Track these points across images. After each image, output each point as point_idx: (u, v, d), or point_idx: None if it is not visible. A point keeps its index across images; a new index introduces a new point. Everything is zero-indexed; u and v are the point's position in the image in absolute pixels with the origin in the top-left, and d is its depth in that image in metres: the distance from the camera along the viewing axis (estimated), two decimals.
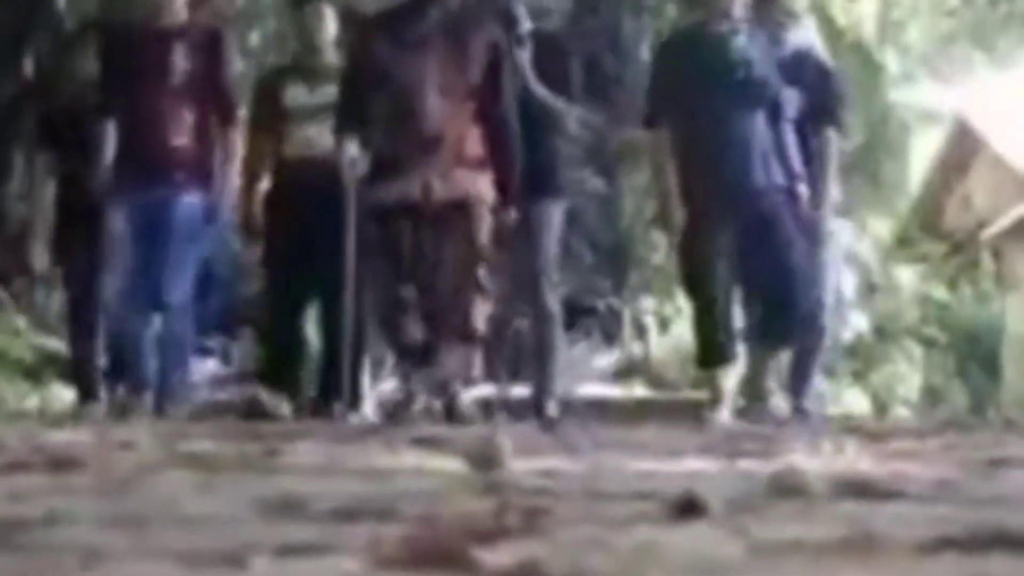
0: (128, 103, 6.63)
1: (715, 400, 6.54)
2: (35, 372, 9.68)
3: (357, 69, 6.53)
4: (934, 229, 18.95)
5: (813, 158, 6.91)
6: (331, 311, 6.91)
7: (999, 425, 6.27)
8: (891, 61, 18.80)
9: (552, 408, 6.93)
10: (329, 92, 6.82)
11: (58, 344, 9.25)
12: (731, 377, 6.60)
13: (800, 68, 6.99)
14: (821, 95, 7.03)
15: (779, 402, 6.59)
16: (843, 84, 7.67)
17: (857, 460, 3.01)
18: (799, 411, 6.77)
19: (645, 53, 16.51)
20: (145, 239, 6.60)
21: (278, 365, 7.05)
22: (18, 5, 10.67)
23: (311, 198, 6.75)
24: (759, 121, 6.59)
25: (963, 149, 20.02)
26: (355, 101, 6.49)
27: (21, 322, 10.41)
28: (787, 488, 2.11)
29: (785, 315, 6.52)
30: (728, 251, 6.51)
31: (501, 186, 6.40)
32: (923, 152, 20.54)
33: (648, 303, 19.71)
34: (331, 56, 7.09)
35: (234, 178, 6.79)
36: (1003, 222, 18.35)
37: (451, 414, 6.17)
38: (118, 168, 6.65)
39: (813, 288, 6.83)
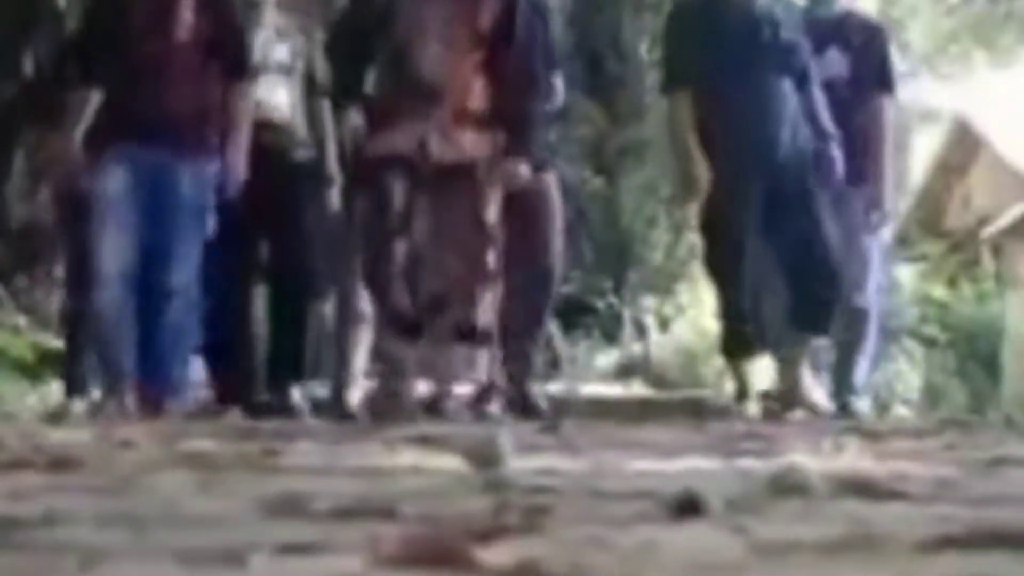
0: (127, 57, 6.01)
1: (742, 394, 6.15)
2: (35, 371, 9.67)
3: (355, 15, 5.96)
4: (934, 228, 18.98)
5: (861, 129, 6.51)
6: (286, 292, 6.44)
7: (999, 424, 6.27)
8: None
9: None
10: (279, 52, 6.40)
11: (58, 343, 9.23)
12: (756, 367, 6.22)
13: (846, 28, 6.62)
14: (870, 58, 6.62)
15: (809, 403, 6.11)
16: (891, 46, 7.13)
17: (857, 459, 3.01)
18: (843, 408, 6.33)
19: (645, 52, 16.53)
20: (145, 207, 5.96)
21: (231, 349, 6.51)
22: (18, 5, 10.67)
23: (261, 165, 6.18)
24: (787, 87, 6.17)
25: (963, 148, 20.05)
26: (353, 60, 5.91)
27: (21, 320, 10.40)
28: (787, 487, 2.11)
29: (816, 299, 6.07)
30: (756, 228, 6.08)
31: (516, 139, 5.77)
32: (923, 151, 20.56)
33: (648, 302, 19.73)
34: (274, 15, 6.56)
35: (244, 143, 6.13)
36: (1003, 221, 18.37)
37: (434, 410, 5.64)
38: (114, 125, 6.00)
39: (850, 271, 6.36)
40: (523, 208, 6.00)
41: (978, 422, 6.60)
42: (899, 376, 13.89)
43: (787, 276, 6.14)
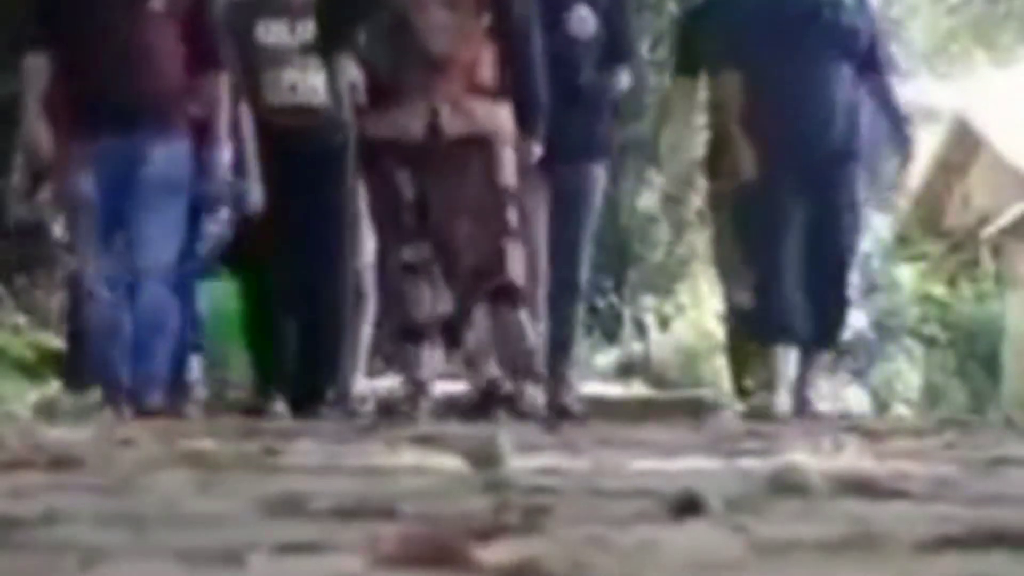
0: (91, 35, 5.52)
1: (770, 383, 5.83)
2: (35, 370, 9.66)
3: None
4: (934, 227, 18.97)
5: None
6: (322, 292, 5.94)
7: (999, 424, 6.26)
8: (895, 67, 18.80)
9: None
10: (312, 30, 5.83)
11: (59, 342, 9.21)
12: (790, 360, 5.87)
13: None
14: (870, 38, 6.07)
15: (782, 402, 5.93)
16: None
17: (857, 458, 3.01)
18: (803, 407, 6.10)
19: (645, 50, 16.51)
20: (115, 196, 5.51)
21: (267, 356, 6.12)
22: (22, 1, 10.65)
23: (296, 153, 5.81)
24: (845, 74, 5.81)
25: (963, 147, 20.04)
26: (347, 9, 5.44)
27: (21, 319, 10.40)
28: (787, 486, 2.11)
29: (836, 310, 5.89)
30: (798, 221, 5.78)
31: (522, 118, 5.33)
32: (923, 150, 20.54)
33: (648, 301, 19.72)
34: None
35: (223, 135, 5.64)
36: (1003, 220, 18.37)
37: (489, 404, 5.26)
38: (78, 112, 5.53)
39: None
40: (558, 209, 5.71)
41: (978, 422, 6.59)
42: (899, 375, 13.90)
43: (810, 280, 5.88)
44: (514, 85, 5.37)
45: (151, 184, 5.52)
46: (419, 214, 5.32)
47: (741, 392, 6.41)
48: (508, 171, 5.29)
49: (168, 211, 5.57)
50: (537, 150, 5.46)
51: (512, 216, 5.26)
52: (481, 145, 5.25)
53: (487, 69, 5.30)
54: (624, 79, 6.25)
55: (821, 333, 5.98)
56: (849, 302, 6.08)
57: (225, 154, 5.68)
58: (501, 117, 5.31)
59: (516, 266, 5.26)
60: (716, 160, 6.10)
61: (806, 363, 6.04)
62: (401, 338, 5.49)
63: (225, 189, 5.81)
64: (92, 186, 5.55)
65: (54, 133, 5.66)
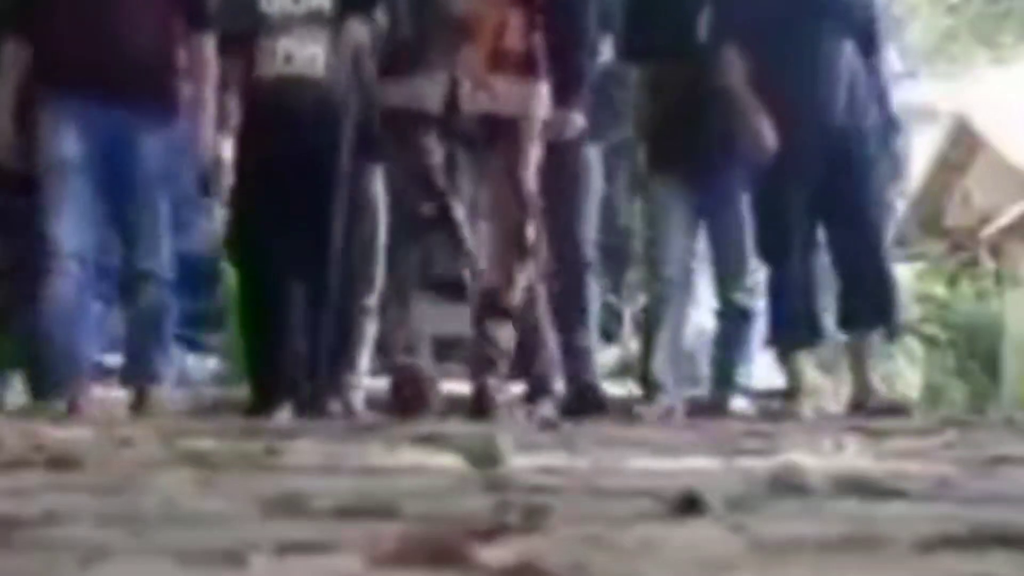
0: (74, 10, 5.21)
1: (794, 390, 5.68)
2: None
3: None
4: (934, 227, 18.96)
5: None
6: (321, 278, 5.55)
7: (999, 423, 6.26)
8: (890, 58, 18.77)
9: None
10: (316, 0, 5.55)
11: None
12: (810, 364, 5.73)
13: None
14: (867, 16, 5.90)
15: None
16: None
17: (857, 458, 3.01)
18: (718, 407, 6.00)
19: None
20: (102, 179, 5.26)
21: (265, 349, 5.74)
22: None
23: (295, 126, 5.49)
24: (848, 49, 5.64)
25: (963, 147, 20.03)
26: None
27: None
28: (787, 486, 2.11)
29: (879, 288, 5.63)
30: (809, 207, 5.61)
31: (562, 86, 5.04)
32: (923, 150, 20.56)
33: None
34: None
35: (209, 104, 5.38)
36: (1003, 220, 18.36)
37: (480, 406, 5.03)
38: (59, 77, 5.24)
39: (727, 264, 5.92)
40: (552, 191, 5.31)
41: (978, 421, 6.59)
42: (899, 375, 13.89)
43: (838, 263, 5.71)
44: (559, 55, 5.05)
45: (141, 179, 5.31)
46: (450, 182, 5.03)
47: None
48: (532, 174, 4.97)
49: (158, 208, 5.36)
50: (578, 122, 5.22)
51: (531, 233, 4.98)
52: (504, 130, 4.95)
53: (515, 39, 4.97)
54: (606, 50, 6.02)
55: (864, 316, 5.79)
56: (883, 278, 5.83)
57: (207, 130, 5.39)
58: (529, 100, 4.99)
59: (518, 292, 5.03)
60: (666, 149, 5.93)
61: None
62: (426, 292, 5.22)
63: (210, 168, 5.56)
64: (74, 151, 5.25)
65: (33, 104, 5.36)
